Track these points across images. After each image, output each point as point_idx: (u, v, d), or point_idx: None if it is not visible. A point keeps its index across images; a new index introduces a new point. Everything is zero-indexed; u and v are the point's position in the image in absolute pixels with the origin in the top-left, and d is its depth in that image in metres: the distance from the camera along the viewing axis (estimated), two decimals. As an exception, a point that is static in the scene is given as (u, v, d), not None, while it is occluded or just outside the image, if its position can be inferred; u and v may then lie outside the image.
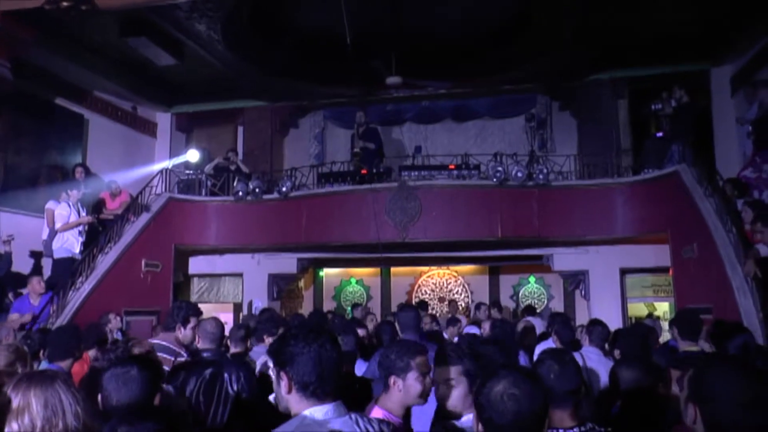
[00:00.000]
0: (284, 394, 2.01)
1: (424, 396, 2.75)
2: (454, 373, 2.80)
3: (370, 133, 11.73)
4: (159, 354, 4.15)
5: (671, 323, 4.66)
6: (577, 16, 9.79)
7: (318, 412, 1.98)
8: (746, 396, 1.79)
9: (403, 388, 2.77)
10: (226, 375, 3.04)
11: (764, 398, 1.79)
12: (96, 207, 10.79)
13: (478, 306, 9.49)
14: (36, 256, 9.96)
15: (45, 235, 9.58)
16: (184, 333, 4.32)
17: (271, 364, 2.14)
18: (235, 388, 3.39)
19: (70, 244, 9.45)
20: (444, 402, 2.80)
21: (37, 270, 9.79)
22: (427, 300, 12.86)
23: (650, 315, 11.14)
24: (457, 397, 2.76)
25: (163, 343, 4.30)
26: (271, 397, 3.30)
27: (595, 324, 5.14)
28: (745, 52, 10.51)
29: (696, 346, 4.44)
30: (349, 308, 12.62)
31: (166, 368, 4.06)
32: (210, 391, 2.80)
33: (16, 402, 1.85)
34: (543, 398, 1.89)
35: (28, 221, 9.88)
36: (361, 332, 5.58)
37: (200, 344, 4.09)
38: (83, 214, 9.75)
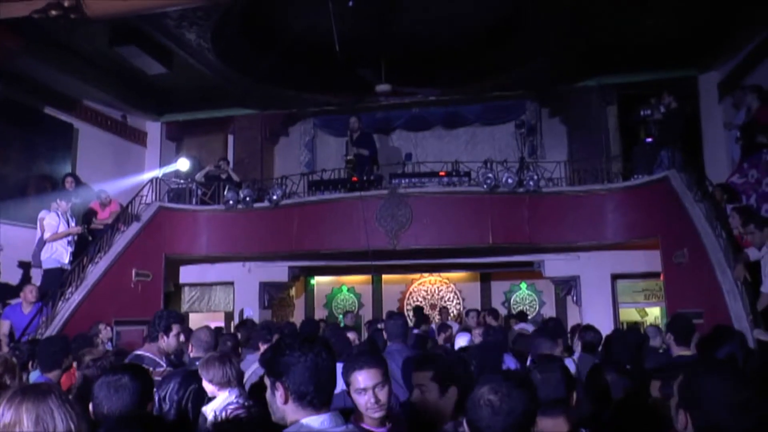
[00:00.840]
0: (280, 404, 1.99)
1: (370, 411, 2.69)
2: (423, 379, 2.80)
3: (364, 139, 11.68)
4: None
5: (666, 329, 4.66)
6: (565, 24, 9.84)
7: (314, 421, 1.96)
8: (736, 400, 1.82)
9: (354, 401, 2.77)
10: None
11: (753, 402, 1.82)
12: (86, 217, 10.74)
13: (467, 313, 9.47)
14: (24, 266, 9.89)
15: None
16: (167, 342, 4.29)
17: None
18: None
19: (59, 254, 9.40)
20: (416, 406, 2.81)
21: (26, 280, 9.72)
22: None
23: (636, 324, 11.16)
24: (428, 402, 2.76)
25: (145, 353, 4.27)
26: (204, 409, 3.27)
27: (587, 330, 5.14)
28: (732, 59, 10.60)
29: (689, 350, 4.46)
30: (341, 316, 12.59)
31: None
32: (198, 401, 2.77)
33: (7, 417, 1.82)
34: (524, 405, 1.93)
35: (17, 231, 9.82)
36: (351, 336, 5.59)
37: (193, 353, 4.07)
38: (72, 224, 9.70)
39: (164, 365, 4.24)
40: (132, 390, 2.40)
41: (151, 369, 4.12)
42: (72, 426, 1.81)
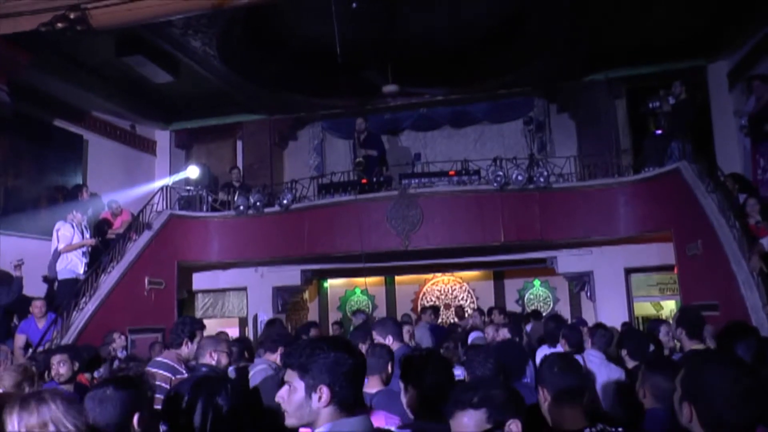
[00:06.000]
0: (317, 407, 1.96)
1: None
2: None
3: (372, 139, 11.65)
4: (159, 371, 4.14)
5: (676, 323, 4.58)
6: (570, 18, 9.79)
7: (347, 424, 1.95)
8: (738, 390, 1.84)
9: None
10: (221, 390, 2.99)
11: (755, 390, 1.84)
12: (99, 227, 10.79)
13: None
14: (49, 280, 9.93)
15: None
16: (190, 348, 4.30)
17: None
18: (229, 403, 3.36)
19: (74, 265, 9.45)
20: None
21: (50, 293, 9.77)
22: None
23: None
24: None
25: (165, 360, 4.28)
26: None
27: (598, 327, 5.14)
28: (741, 47, 10.50)
29: (702, 344, 4.40)
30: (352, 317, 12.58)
31: (166, 386, 4.05)
32: (204, 407, 2.75)
33: (12, 425, 1.82)
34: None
35: (30, 244, 9.88)
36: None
37: (199, 359, 4.07)
38: (87, 235, 9.76)
39: (184, 372, 4.25)
40: (116, 402, 2.38)
41: (170, 376, 4.13)
42: (78, 425, 1.81)
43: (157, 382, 3.95)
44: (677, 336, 4.56)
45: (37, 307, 8.41)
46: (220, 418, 2.68)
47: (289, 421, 2.02)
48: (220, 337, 4.42)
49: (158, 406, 3.11)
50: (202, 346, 4.06)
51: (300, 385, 1.99)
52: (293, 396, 2.00)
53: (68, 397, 1.91)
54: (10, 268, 8.79)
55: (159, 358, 4.44)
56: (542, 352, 5.82)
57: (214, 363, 3.94)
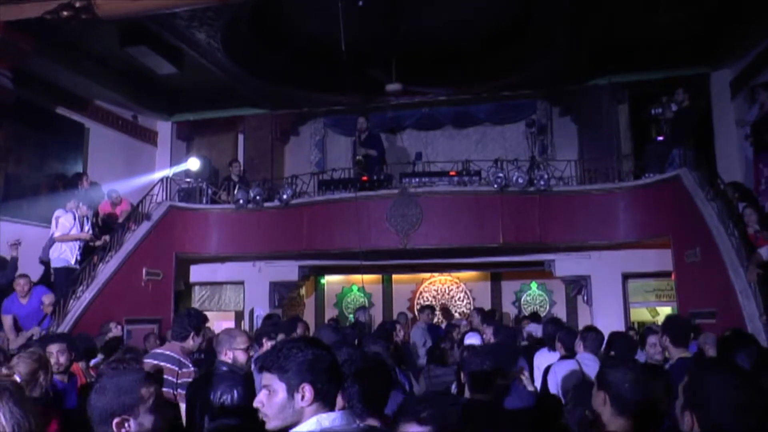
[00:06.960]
0: (300, 406, 1.96)
1: None
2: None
3: (373, 139, 11.65)
4: (164, 364, 4.10)
5: (662, 331, 4.54)
6: (575, 22, 9.79)
7: (328, 419, 1.96)
8: (740, 400, 1.85)
9: None
10: (239, 388, 2.98)
11: (757, 400, 1.85)
12: (105, 222, 10.80)
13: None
14: (45, 263, 9.94)
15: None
16: (196, 341, 4.30)
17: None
18: (231, 401, 3.35)
19: (66, 255, 9.43)
20: None
21: (46, 278, 9.75)
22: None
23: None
24: None
25: (169, 353, 4.25)
26: None
27: (590, 330, 5.15)
28: (745, 56, 10.51)
29: (688, 352, 4.39)
30: (351, 315, 12.58)
31: (173, 379, 4.03)
32: (221, 404, 2.73)
33: None
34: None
35: (29, 230, 9.89)
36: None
37: (218, 356, 4.02)
38: (87, 227, 9.74)
39: (190, 366, 4.22)
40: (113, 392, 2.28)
41: (177, 369, 4.11)
42: (26, 425, 1.78)
43: (164, 376, 3.93)
44: (663, 344, 4.52)
45: (20, 285, 8.40)
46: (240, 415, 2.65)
47: (272, 425, 2.00)
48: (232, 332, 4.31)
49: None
50: (219, 343, 3.95)
51: (280, 387, 1.98)
52: (274, 399, 1.99)
53: (23, 395, 1.88)
54: (7, 253, 8.81)
55: (162, 350, 4.37)
56: (542, 355, 5.84)
57: (230, 361, 3.85)
